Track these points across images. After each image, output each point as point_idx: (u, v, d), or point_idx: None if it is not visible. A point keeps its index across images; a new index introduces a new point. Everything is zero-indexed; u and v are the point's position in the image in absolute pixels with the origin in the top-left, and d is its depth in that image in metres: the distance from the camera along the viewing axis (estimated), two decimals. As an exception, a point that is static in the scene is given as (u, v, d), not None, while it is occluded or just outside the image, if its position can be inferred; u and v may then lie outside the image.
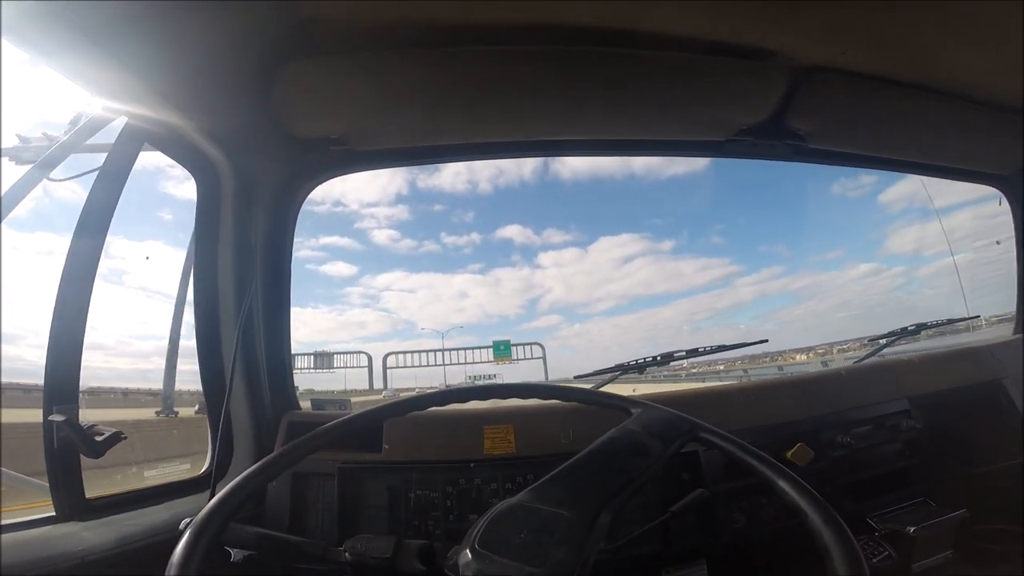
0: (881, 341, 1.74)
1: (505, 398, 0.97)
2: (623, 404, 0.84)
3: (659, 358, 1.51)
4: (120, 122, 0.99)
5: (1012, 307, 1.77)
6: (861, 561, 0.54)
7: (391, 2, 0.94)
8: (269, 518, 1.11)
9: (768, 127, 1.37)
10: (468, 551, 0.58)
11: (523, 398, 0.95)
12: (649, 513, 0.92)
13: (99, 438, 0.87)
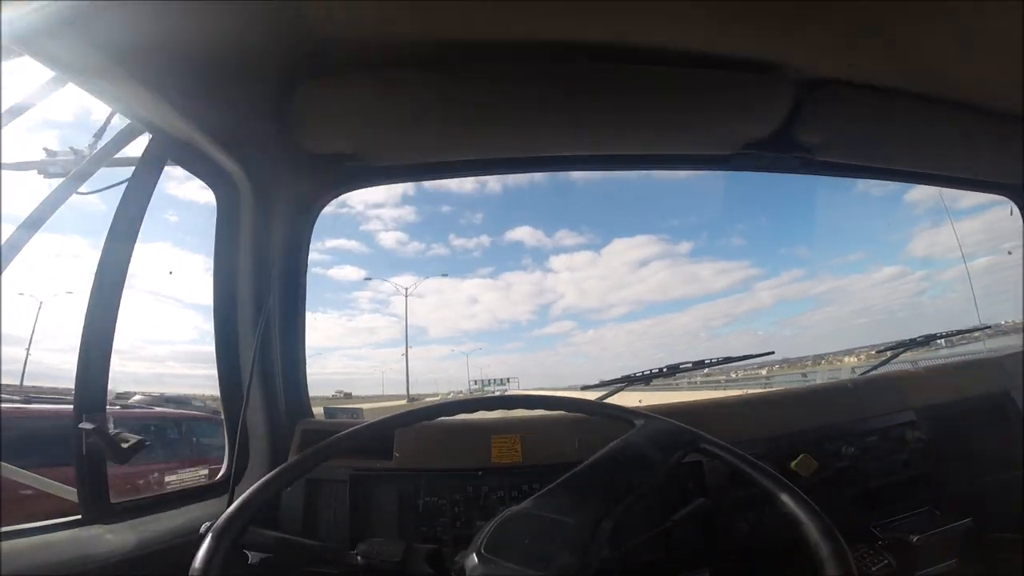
0: (888, 353, 1.73)
1: (511, 409, 0.99)
2: (627, 416, 0.86)
3: (665, 369, 1.52)
4: (145, 138, 1.02)
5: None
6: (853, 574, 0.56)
7: (406, 22, 0.97)
8: (283, 521, 1.14)
9: (774, 140, 1.37)
10: (475, 556, 0.60)
11: (528, 409, 0.96)
12: (652, 522, 0.93)
13: (124, 445, 0.90)
